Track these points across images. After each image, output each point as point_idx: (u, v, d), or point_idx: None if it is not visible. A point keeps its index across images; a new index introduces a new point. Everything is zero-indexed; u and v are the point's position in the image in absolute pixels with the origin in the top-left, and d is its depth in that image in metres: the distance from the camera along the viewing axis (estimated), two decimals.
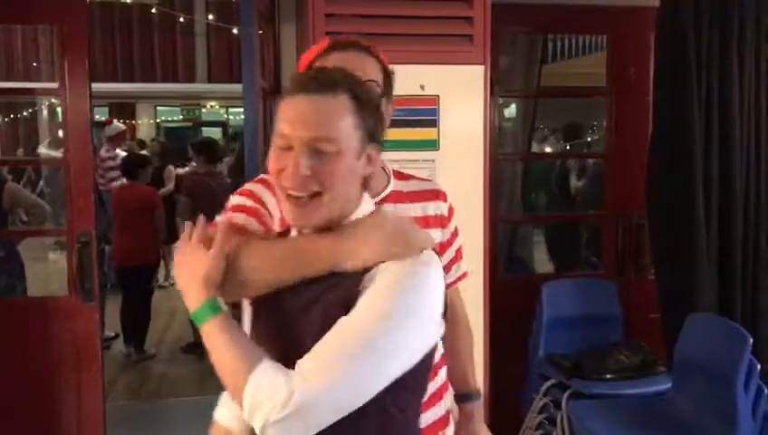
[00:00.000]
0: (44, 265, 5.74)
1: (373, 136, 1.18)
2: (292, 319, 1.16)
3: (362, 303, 1.08)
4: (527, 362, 3.30)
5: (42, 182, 6.40)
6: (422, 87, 2.48)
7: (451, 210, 1.61)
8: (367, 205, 1.22)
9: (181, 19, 8.33)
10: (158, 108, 13.73)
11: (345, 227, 1.17)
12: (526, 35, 4.06)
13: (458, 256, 1.65)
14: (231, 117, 14.07)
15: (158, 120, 13.74)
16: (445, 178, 2.44)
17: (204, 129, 13.71)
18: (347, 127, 1.13)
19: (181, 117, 14.26)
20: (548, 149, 6.69)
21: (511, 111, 5.16)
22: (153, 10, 8.13)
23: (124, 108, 12.51)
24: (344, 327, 1.06)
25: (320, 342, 1.06)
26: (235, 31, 6.99)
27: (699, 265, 2.96)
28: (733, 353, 2.53)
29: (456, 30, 2.50)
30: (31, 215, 4.32)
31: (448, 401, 1.60)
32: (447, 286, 1.54)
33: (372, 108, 1.19)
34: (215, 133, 12.66)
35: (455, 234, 1.62)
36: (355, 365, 1.04)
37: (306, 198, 1.13)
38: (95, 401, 3.13)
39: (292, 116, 1.13)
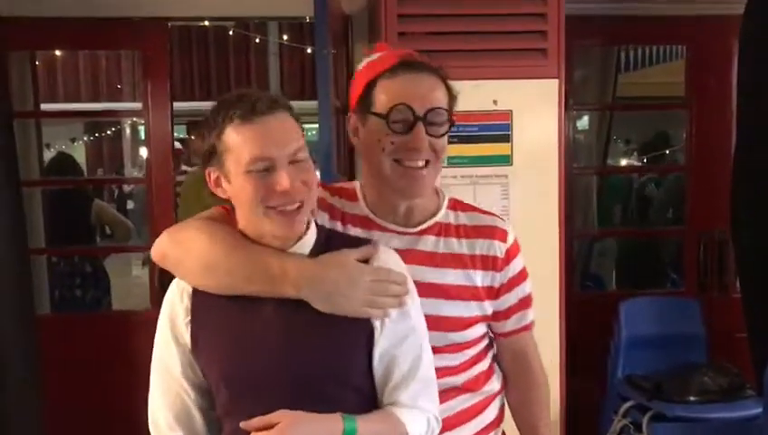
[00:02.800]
0: (129, 280, 5.95)
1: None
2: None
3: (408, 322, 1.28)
4: (605, 381, 3.21)
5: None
6: (495, 102, 2.46)
7: (511, 252, 1.45)
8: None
9: (257, 40, 8.56)
10: None
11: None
12: (601, 47, 3.98)
13: (522, 304, 1.49)
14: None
15: None
16: (518, 194, 2.43)
17: None
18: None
19: None
20: (624, 162, 6.52)
21: (583, 123, 5.06)
22: (230, 32, 8.38)
23: (201, 126, 12.92)
24: (414, 348, 1.27)
25: (400, 367, 1.25)
26: (308, 51, 7.13)
27: None
28: None
29: (529, 44, 2.48)
30: (116, 232, 4.50)
31: None
32: (507, 335, 1.51)
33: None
34: None
35: (516, 279, 1.47)
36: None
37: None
38: None
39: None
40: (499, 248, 1.44)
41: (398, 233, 1.41)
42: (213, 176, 1.25)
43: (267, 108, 1.19)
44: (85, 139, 11.34)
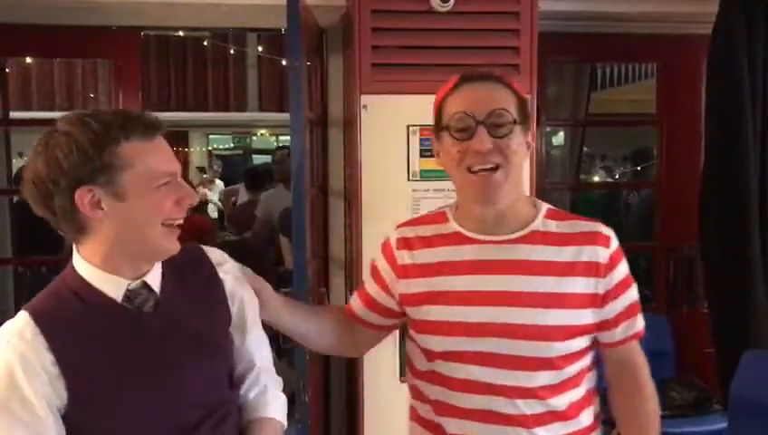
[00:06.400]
0: None
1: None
2: None
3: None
4: None
5: None
6: None
7: (615, 258, 1.42)
8: None
9: (231, 51, 8.56)
10: (211, 136, 14.02)
11: None
12: (574, 64, 4.02)
13: (630, 311, 1.46)
14: (281, 144, 14.24)
15: (210, 148, 14.02)
16: None
17: (254, 156, 13.94)
18: None
19: (233, 145, 14.53)
20: (596, 178, 6.59)
21: (558, 138, 5.11)
22: (204, 43, 8.39)
23: (178, 136, 12.80)
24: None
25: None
26: (284, 62, 7.14)
27: (756, 299, 2.85)
28: None
29: (502, 60, 2.50)
30: None
31: None
32: (615, 345, 1.49)
33: None
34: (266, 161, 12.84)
35: (621, 286, 1.44)
36: None
37: None
38: None
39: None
40: (602, 254, 1.41)
41: (492, 243, 1.42)
42: (88, 196, 1.18)
43: (158, 127, 1.24)
44: None
